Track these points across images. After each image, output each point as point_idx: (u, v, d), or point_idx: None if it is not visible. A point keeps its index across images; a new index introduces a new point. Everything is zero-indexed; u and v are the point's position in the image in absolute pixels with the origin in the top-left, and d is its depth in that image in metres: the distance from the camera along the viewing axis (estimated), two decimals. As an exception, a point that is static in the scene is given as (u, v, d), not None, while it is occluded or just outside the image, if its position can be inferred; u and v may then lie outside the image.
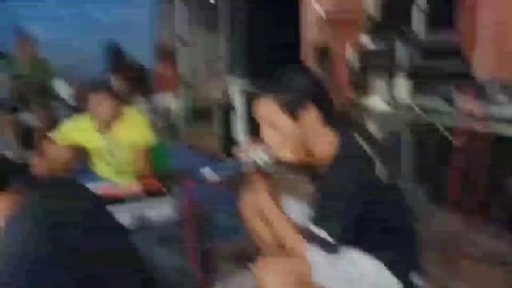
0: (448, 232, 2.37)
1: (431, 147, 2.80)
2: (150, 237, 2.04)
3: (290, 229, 1.38)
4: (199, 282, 1.50)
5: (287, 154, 1.36)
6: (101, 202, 1.51)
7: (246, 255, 2.23)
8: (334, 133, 1.39)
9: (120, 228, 1.51)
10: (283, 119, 1.33)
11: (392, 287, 1.38)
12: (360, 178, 1.30)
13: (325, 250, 1.29)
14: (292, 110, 1.32)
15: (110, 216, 1.48)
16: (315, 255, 1.28)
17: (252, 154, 1.37)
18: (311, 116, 1.34)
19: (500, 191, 2.40)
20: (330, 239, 1.28)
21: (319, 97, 1.38)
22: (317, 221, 1.32)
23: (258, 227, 1.65)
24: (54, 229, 1.20)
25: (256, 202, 1.49)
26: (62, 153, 2.51)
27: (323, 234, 1.29)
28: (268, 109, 1.34)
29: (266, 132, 1.39)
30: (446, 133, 2.61)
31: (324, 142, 1.38)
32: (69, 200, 1.34)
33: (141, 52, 5.47)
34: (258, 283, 1.27)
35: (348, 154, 1.35)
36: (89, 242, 1.26)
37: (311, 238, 1.31)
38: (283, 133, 1.35)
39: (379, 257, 1.37)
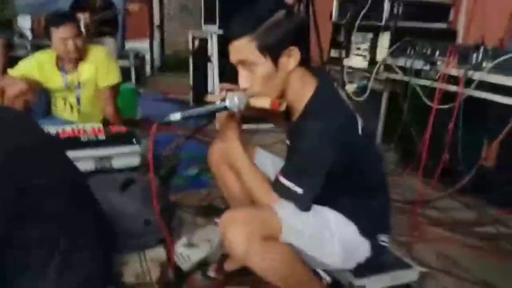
0: (415, 197, 2.38)
1: (408, 108, 2.77)
2: (113, 184, 1.94)
3: (259, 180, 1.31)
4: (163, 234, 1.43)
5: (263, 100, 1.26)
6: (54, 142, 1.38)
7: (212, 207, 2.19)
8: (314, 80, 1.30)
9: (75, 169, 1.40)
10: (261, 61, 1.21)
11: (361, 247, 1.36)
12: (337, 129, 1.22)
13: (295, 205, 1.24)
14: (272, 51, 1.21)
15: (63, 155, 1.37)
16: (284, 210, 1.23)
17: (224, 98, 1.25)
18: (292, 59, 1.23)
19: (471, 157, 2.42)
20: (301, 194, 1.23)
21: (302, 39, 1.26)
22: (288, 174, 1.26)
23: (226, 177, 1.57)
24: None
25: (225, 150, 1.40)
26: (20, 89, 2.31)
27: (293, 187, 1.23)
28: (245, 51, 1.21)
29: (241, 74, 1.27)
30: (423, 95, 2.57)
31: (303, 88, 1.28)
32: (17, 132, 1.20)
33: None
34: (222, 236, 1.21)
35: (326, 102, 1.27)
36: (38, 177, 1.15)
37: (281, 191, 1.25)
38: (260, 76, 1.24)
39: (349, 215, 1.34)
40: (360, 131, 1.28)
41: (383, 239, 1.42)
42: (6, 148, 1.15)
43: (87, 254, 1.24)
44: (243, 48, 1.21)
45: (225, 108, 1.26)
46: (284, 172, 1.27)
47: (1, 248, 1.08)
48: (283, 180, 1.25)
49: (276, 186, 1.27)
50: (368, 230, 1.36)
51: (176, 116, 1.25)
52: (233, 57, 1.26)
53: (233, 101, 1.24)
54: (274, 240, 1.19)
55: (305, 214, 1.26)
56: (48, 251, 1.16)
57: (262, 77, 1.24)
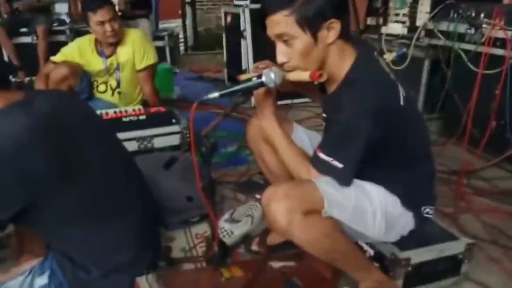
0: (460, 167, 2.30)
1: (451, 75, 2.65)
2: (156, 163, 2.00)
3: (297, 157, 1.31)
4: (206, 210, 1.47)
5: (302, 73, 1.24)
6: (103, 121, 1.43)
7: (252, 183, 2.22)
8: (353, 50, 1.26)
9: (122, 146, 1.45)
10: (300, 35, 1.19)
11: (403, 219, 1.35)
12: (377, 99, 1.19)
13: (335, 179, 1.24)
14: (312, 24, 1.18)
15: (112, 134, 1.43)
16: (325, 184, 1.23)
17: (261, 75, 1.24)
18: (332, 31, 1.20)
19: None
20: (341, 168, 1.22)
21: (342, 10, 1.23)
22: (327, 149, 1.24)
23: (264, 153, 1.57)
24: (52, 129, 1.11)
25: (262, 127, 1.40)
26: (62, 74, 2.41)
27: (333, 162, 1.22)
28: (284, 24, 1.18)
29: (279, 49, 1.25)
30: (468, 60, 2.45)
31: (342, 59, 1.25)
32: (69, 106, 1.25)
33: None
34: (265, 211, 1.23)
35: (366, 72, 1.23)
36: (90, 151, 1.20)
37: (321, 167, 1.25)
38: (298, 50, 1.21)
39: (391, 187, 1.32)
40: (402, 101, 1.25)
41: (428, 210, 1.39)
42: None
43: (134, 228, 1.30)
44: (281, 22, 1.19)
45: (262, 84, 1.25)
46: (323, 147, 1.26)
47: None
48: (322, 155, 1.24)
49: (315, 162, 1.26)
50: (411, 202, 1.34)
51: (214, 94, 1.27)
52: (271, 32, 1.23)
53: (269, 76, 1.23)
54: (316, 214, 1.20)
55: (346, 188, 1.25)
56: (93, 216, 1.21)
57: (301, 51, 1.21)
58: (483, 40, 2.36)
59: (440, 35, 2.66)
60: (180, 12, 6.54)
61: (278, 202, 1.17)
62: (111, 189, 1.24)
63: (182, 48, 6.18)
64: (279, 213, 1.16)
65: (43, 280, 1.25)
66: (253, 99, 1.39)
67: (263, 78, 1.25)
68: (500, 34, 2.28)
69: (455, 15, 2.58)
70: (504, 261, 1.61)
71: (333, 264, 1.33)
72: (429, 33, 2.76)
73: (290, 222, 1.16)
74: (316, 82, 1.25)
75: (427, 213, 1.39)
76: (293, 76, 1.26)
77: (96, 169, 1.19)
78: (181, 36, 6.18)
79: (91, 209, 1.19)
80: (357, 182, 1.29)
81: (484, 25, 2.37)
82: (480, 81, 2.31)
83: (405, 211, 1.34)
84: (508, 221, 1.88)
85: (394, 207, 1.33)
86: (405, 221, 1.36)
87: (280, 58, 1.25)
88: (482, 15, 2.41)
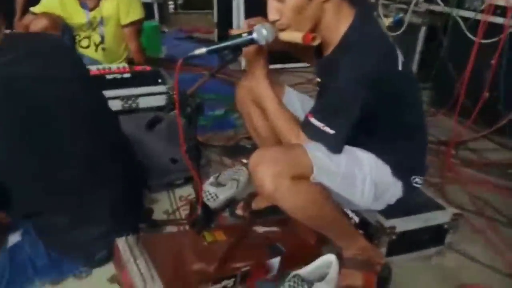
0: (450, 138, 2.28)
1: (448, 43, 2.58)
2: (140, 123, 1.93)
3: (287, 121, 1.26)
4: (190, 172, 1.43)
5: (294, 34, 1.17)
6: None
7: (239, 147, 2.18)
8: (351, 10, 1.19)
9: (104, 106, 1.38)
10: None
11: (392, 188, 1.32)
12: (375, 64, 1.13)
13: (326, 146, 1.19)
14: None
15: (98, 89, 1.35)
16: (315, 150, 1.18)
17: (252, 30, 1.16)
18: None
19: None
20: (332, 134, 1.17)
21: None
22: (318, 114, 1.19)
23: (253, 116, 1.52)
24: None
25: (252, 88, 1.34)
26: (42, 26, 2.28)
27: (324, 128, 1.17)
28: None
29: (270, 5, 1.17)
30: (466, 28, 2.38)
31: (339, 20, 1.18)
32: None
33: None
34: (251, 175, 1.18)
35: (364, 35, 1.16)
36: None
37: (311, 132, 1.20)
38: (291, 7, 1.13)
39: (383, 156, 1.29)
40: (400, 67, 1.19)
41: (417, 180, 1.37)
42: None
43: (115, 189, 1.25)
44: None
45: (252, 41, 1.17)
46: (315, 111, 1.21)
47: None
48: (313, 120, 1.19)
49: (306, 127, 1.21)
50: (402, 171, 1.31)
51: (201, 50, 1.19)
52: None
53: (261, 33, 1.15)
54: (304, 179, 1.16)
55: (337, 155, 1.21)
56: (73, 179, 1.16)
57: (293, 8, 1.14)
58: (483, 7, 2.29)
59: (439, 1, 2.56)
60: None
61: (266, 166, 1.13)
62: (85, 155, 1.18)
63: (172, 6, 5.94)
64: (266, 178, 1.12)
65: (16, 237, 1.21)
66: (243, 59, 1.31)
67: (254, 35, 1.16)
68: (501, 1, 2.20)
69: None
70: (488, 233, 1.62)
71: (318, 231, 1.31)
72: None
73: (277, 187, 1.12)
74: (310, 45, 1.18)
75: (416, 182, 1.36)
76: (286, 36, 1.18)
77: (67, 133, 1.13)
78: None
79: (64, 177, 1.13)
80: (348, 148, 1.24)
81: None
82: (476, 50, 2.25)
83: (395, 181, 1.31)
84: (494, 193, 1.88)
85: (384, 175, 1.30)
86: (394, 190, 1.33)
87: (272, 15, 1.17)
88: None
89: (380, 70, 1.14)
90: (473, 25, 2.36)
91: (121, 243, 1.21)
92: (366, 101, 1.14)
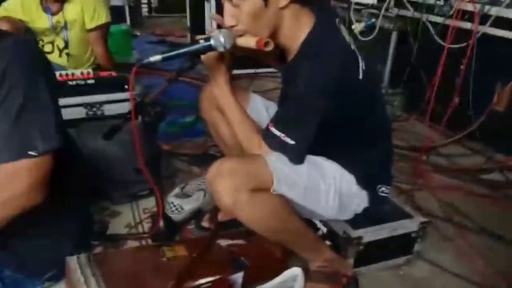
0: (421, 143, 2.28)
1: (418, 48, 2.59)
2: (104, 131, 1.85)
3: (248, 130, 1.21)
4: (150, 185, 1.37)
5: (248, 39, 1.12)
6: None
7: (208, 156, 2.12)
8: (311, 17, 1.15)
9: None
10: (250, 4, 1.07)
11: (357, 198, 1.28)
12: (334, 73, 1.09)
13: (286, 157, 1.15)
14: None
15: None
16: (275, 160, 1.13)
17: (210, 36, 1.11)
18: None
19: (482, 101, 2.27)
20: (292, 145, 1.13)
21: None
22: (279, 123, 1.15)
23: (217, 123, 1.46)
24: None
25: (214, 95, 1.29)
26: (2, 28, 2.18)
27: (285, 138, 1.13)
28: None
29: (226, 11, 1.13)
30: (435, 33, 2.38)
31: (298, 27, 1.14)
32: None
33: None
34: (209, 187, 1.13)
35: (323, 43, 1.12)
36: None
37: (272, 142, 1.15)
38: (246, 12, 1.09)
39: (347, 165, 1.25)
40: (361, 75, 1.15)
41: (383, 189, 1.34)
42: None
43: (66, 205, 1.18)
44: None
45: (210, 47, 1.12)
46: (275, 121, 1.16)
47: None
48: (274, 130, 1.14)
49: (267, 137, 1.17)
50: (366, 181, 1.28)
51: (157, 57, 1.13)
52: None
53: (218, 39, 1.10)
54: (265, 191, 1.11)
55: (298, 165, 1.17)
56: None
57: (249, 14, 1.10)
58: (451, 12, 2.29)
59: (409, 6, 2.57)
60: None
61: (223, 179, 1.08)
62: None
63: (145, 9, 5.85)
64: (224, 191, 1.07)
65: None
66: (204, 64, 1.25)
67: (212, 41, 1.12)
68: (469, 6, 2.21)
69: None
70: (457, 240, 1.60)
71: (282, 244, 1.26)
72: (399, 3, 2.66)
73: (235, 201, 1.07)
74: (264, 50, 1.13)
75: (382, 191, 1.33)
76: (241, 41, 1.13)
77: None
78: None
79: None
80: (311, 158, 1.20)
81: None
82: (446, 55, 2.26)
83: (360, 190, 1.28)
84: (464, 198, 1.87)
85: (348, 185, 1.26)
86: (359, 200, 1.30)
87: (228, 21, 1.13)
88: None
89: (341, 79, 1.10)
90: (442, 30, 2.37)
91: (72, 262, 1.14)
92: (326, 110, 1.10)
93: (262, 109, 1.45)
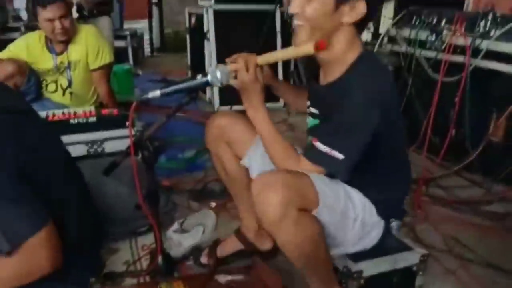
0: (419, 175, 2.28)
1: (412, 82, 2.64)
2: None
3: (286, 148, 1.19)
4: (150, 221, 1.37)
5: (305, 47, 1.14)
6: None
7: (207, 191, 2.12)
8: (360, 45, 1.18)
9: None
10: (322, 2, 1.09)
11: (374, 232, 1.26)
12: (386, 93, 1.12)
13: (333, 171, 1.12)
14: None
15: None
16: (320, 182, 1.09)
17: (207, 72, 1.15)
18: (354, 12, 1.10)
19: (478, 132, 2.30)
20: (341, 160, 1.08)
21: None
22: (326, 138, 1.11)
23: (223, 155, 1.45)
24: None
25: (224, 126, 1.31)
26: (8, 71, 2.26)
27: (332, 152, 1.08)
28: None
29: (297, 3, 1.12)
30: (428, 67, 2.44)
31: (349, 49, 1.15)
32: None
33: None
34: (254, 199, 1.05)
35: (374, 67, 1.16)
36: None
37: (317, 157, 1.11)
38: (315, 6, 1.10)
39: (371, 196, 1.23)
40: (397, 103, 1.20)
41: (393, 224, 1.31)
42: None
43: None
44: None
45: (207, 83, 1.16)
46: (320, 136, 1.12)
47: None
48: (318, 144, 1.10)
49: (310, 152, 1.12)
50: (385, 212, 1.25)
51: (155, 93, 1.17)
52: None
53: (215, 75, 1.15)
54: (308, 213, 1.06)
55: (336, 189, 1.14)
56: None
57: (317, 9, 1.10)
58: (443, 47, 2.36)
59: (401, 42, 2.65)
60: (146, 11, 6.37)
61: (275, 191, 1.01)
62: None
63: (147, 49, 6.02)
64: (275, 203, 1.00)
65: None
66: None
67: (208, 77, 1.16)
68: (461, 41, 2.28)
69: (417, 22, 2.58)
70: (459, 272, 1.57)
71: (303, 270, 1.18)
72: (392, 40, 2.75)
73: (284, 216, 1.00)
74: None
75: (391, 227, 1.32)
76: (291, 52, 1.23)
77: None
78: (147, 37, 6.02)
79: None
80: (339, 182, 1.18)
81: (445, 32, 2.38)
82: (440, 88, 2.30)
83: (379, 221, 1.25)
84: (464, 230, 1.86)
85: (370, 215, 1.23)
86: (375, 234, 1.27)
87: (294, 7, 1.12)
88: (443, 22, 2.41)
89: (388, 98, 1.13)
90: (435, 64, 2.43)
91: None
92: (374, 127, 1.08)
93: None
